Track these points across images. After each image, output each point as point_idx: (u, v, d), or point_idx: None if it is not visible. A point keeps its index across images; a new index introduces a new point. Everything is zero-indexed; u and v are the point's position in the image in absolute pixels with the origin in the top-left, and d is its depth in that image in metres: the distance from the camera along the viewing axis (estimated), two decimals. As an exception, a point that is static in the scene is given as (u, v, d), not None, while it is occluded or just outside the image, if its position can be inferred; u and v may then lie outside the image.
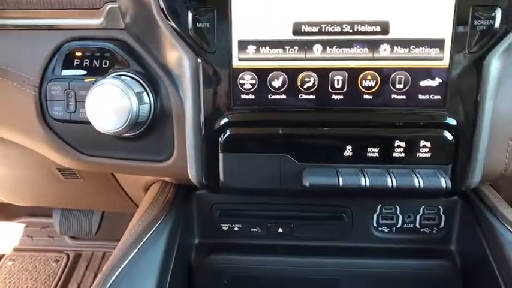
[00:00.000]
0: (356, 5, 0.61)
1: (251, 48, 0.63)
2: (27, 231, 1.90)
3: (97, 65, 0.72)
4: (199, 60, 0.64)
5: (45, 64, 0.73)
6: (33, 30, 0.75)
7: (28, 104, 0.74)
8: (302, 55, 0.63)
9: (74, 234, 1.75)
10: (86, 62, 0.72)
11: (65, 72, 0.73)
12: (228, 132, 0.66)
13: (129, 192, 1.05)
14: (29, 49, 0.75)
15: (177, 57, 0.66)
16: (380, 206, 0.80)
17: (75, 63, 0.73)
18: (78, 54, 0.73)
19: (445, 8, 0.60)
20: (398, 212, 0.81)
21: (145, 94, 0.68)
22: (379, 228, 0.82)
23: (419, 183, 0.62)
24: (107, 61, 0.72)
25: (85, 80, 0.71)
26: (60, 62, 0.73)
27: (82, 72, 0.72)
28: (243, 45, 0.63)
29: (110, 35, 0.73)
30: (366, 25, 0.61)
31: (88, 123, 0.67)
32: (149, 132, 0.70)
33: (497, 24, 0.60)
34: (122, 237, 0.77)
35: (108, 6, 0.71)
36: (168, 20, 0.63)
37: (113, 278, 0.64)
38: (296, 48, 0.63)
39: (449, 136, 0.64)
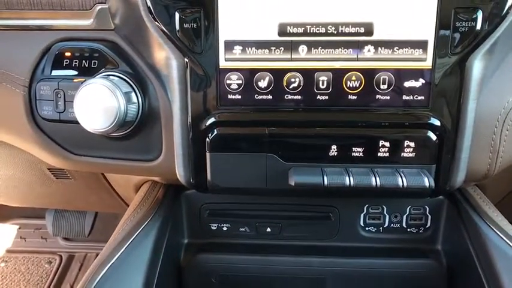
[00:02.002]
0: (340, 7, 0.62)
1: (237, 49, 0.64)
2: (20, 233, 1.90)
3: (86, 65, 0.73)
4: (186, 61, 0.65)
5: (34, 64, 0.74)
6: (23, 30, 0.75)
7: (17, 103, 0.75)
8: (288, 56, 0.64)
9: (66, 235, 1.75)
10: (75, 62, 0.73)
11: (55, 73, 0.73)
12: (215, 132, 0.67)
13: (120, 192, 1.06)
14: (19, 49, 0.75)
15: (164, 57, 0.67)
16: (367, 206, 0.81)
17: (64, 63, 0.73)
18: (67, 54, 0.73)
19: (427, 10, 0.61)
20: (385, 212, 0.81)
21: (133, 94, 0.69)
22: (366, 228, 0.83)
23: (402, 182, 0.63)
24: (96, 61, 0.73)
25: (74, 80, 0.72)
26: (50, 62, 0.74)
27: (71, 72, 0.73)
28: (229, 45, 0.64)
29: (99, 36, 0.73)
30: (350, 26, 0.62)
31: (77, 122, 0.68)
32: (137, 132, 0.71)
33: (478, 26, 0.61)
34: None
35: (98, 7, 0.71)
36: (155, 20, 0.64)
37: (100, 275, 0.65)
38: (282, 49, 0.64)
39: (433, 136, 0.65)
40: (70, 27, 0.74)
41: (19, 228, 1.89)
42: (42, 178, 1.06)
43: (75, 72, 0.73)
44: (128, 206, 1.05)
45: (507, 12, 0.60)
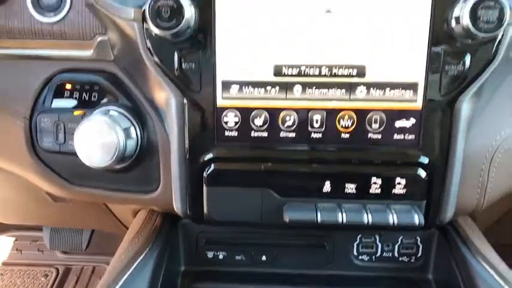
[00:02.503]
0: (334, 50, 0.64)
1: (234, 88, 0.66)
2: (16, 245, 1.90)
3: (86, 98, 0.75)
4: (184, 99, 0.67)
5: (35, 95, 0.76)
6: (24, 59, 0.77)
7: (18, 134, 0.76)
8: (283, 95, 0.66)
9: (64, 249, 1.75)
10: (76, 94, 0.75)
11: (55, 104, 0.75)
12: (212, 167, 0.69)
13: (118, 214, 1.07)
14: (20, 79, 0.77)
15: (163, 94, 0.68)
16: (360, 235, 0.83)
17: (65, 95, 0.75)
18: (68, 86, 0.75)
19: (418, 54, 0.63)
20: (377, 241, 0.83)
21: (132, 129, 0.71)
22: (360, 257, 0.85)
23: (393, 219, 0.65)
24: (96, 94, 0.74)
25: (74, 113, 0.74)
26: (51, 94, 0.75)
27: (71, 104, 0.75)
28: (226, 85, 0.66)
29: (99, 67, 0.75)
30: (343, 68, 0.64)
31: (77, 154, 0.69)
32: (136, 165, 0.73)
33: (467, 69, 0.63)
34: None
35: (99, 38, 0.73)
36: (154, 59, 0.66)
37: None
38: (277, 88, 0.66)
39: (423, 174, 0.67)
40: (71, 57, 0.76)
41: (15, 240, 1.90)
42: (39, 200, 1.07)
43: (75, 105, 0.74)
44: (125, 226, 1.07)
45: (494, 56, 0.63)
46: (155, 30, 0.61)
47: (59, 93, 0.75)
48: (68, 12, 0.74)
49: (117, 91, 0.73)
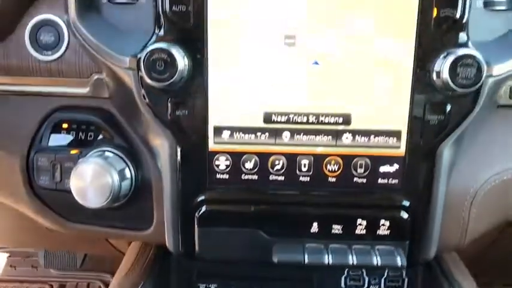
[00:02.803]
0: (321, 99, 0.67)
1: (226, 134, 0.69)
2: (10, 261, 1.90)
3: (82, 137, 0.77)
4: (177, 143, 0.69)
5: (32, 134, 0.78)
6: (22, 96, 0.79)
7: (15, 171, 0.78)
8: (272, 141, 0.69)
9: (58, 267, 1.76)
10: (72, 133, 0.77)
11: (52, 143, 0.77)
12: (204, 209, 0.71)
13: (113, 241, 1.09)
14: (17, 117, 0.79)
15: (156, 136, 0.71)
16: (347, 269, 0.86)
17: (61, 134, 0.77)
18: (64, 125, 0.77)
19: (401, 103, 0.66)
20: (364, 275, 0.86)
21: (127, 170, 0.73)
22: None
23: (377, 261, 0.68)
24: (92, 134, 0.77)
25: (71, 152, 0.76)
26: (48, 133, 0.78)
27: (68, 143, 0.77)
28: (218, 130, 0.69)
29: (95, 104, 0.78)
30: (330, 116, 0.67)
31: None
32: (130, 203, 0.75)
33: (447, 119, 0.66)
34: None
35: (95, 76, 0.75)
36: (148, 105, 0.68)
37: None
38: (267, 134, 0.68)
39: (406, 216, 0.70)
40: (67, 94, 0.78)
41: (9, 256, 1.89)
42: (34, 228, 1.08)
43: (72, 144, 0.76)
44: (119, 251, 1.09)
45: (473, 106, 0.66)
46: (150, 82, 0.63)
47: (56, 132, 0.77)
48: (65, 51, 0.76)
49: (112, 131, 0.76)
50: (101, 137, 0.77)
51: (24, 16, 0.76)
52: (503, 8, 0.68)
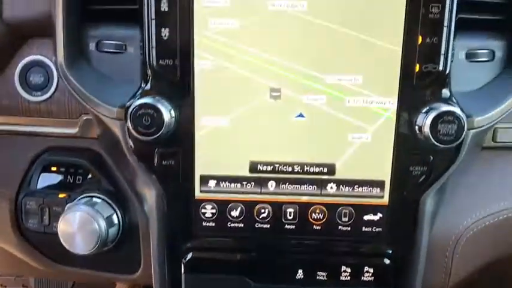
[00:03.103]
0: (306, 149, 0.68)
1: (212, 183, 0.69)
2: (0, 280, 1.89)
3: (71, 181, 0.78)
4: (163, 191, 0.70)
5: (21, 176, 0.78)
6: (11, 135, 0.80)
7: (3, 214, 0.79)
8: (258, 190, 0.69)
9: (49, 288, 1.76)
10: (61, 177, 0.78)
11: (40, 185, 0.78)
12: (190, 256, 0.72)
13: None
14: (6, 157, 0.80)
15: (143, 183, 0.72)
16: None
17: (50, 177, 0.78)
18: (53, 169, 0.78)
19: (385, 155, 0.67)
20: None
21: (114, 216, 0.74)
22: None
23: None
24: (81, 177, 0.78)
25: (59, 196, 0.76)
26: (36, 176, 0.78)
27: (56, 187, 0.78)
28: (204, 179, 0.69)
29: (84, 145, 0.78)
30: (315, 166, 0.68)
31: None
32: (118, 248, 0.75)
33: (430, 170, 0.67)
34: None
35: (84, 117, 0.76)
36: (135, 155, 0.69)
37: None
38: (252, 183, 0.69)
39: (389, 263, 0.71)
40: (56, 134, 0.78)
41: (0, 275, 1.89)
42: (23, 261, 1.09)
43: (60, 187, 0.77)
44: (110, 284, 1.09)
45: (456, 157, 0.67)
46: (137, 135, 0.64)
47: (45, 174, 0.78)
48: (54, 91, 0.77)
49: (100, 174, 0.77)
50: (89, 180, 0.78)
51: (14, 57, 0.77)
52: (485, 59, 0.70)
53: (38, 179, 0.78)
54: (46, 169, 0.78)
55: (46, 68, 0.77)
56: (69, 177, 0.78)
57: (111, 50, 0.70)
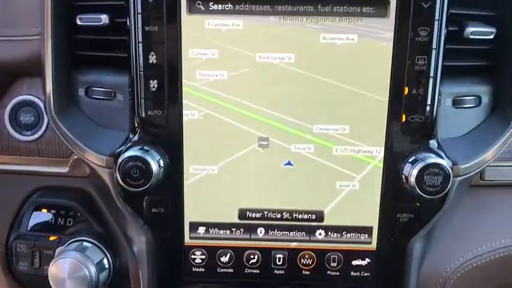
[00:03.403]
0: (295, 196, 0.69)
1: (201, 229, 0.70)
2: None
3: (61, 223, 0.78)
4: (153, 236, 0.70)
5: (12, 217, 0.79)
6: (1, 174, 0.80)
7: None
8: (247, 236, 0.70)
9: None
10: (51, 220, 0.78)
11: (31, 227, 0.78)
12: None
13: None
14: None
15: (133, 229, 0.72)
16: None
17: (41, 219, 0.78)
18: (44, 210, 0.78)
19: (372, 202, 0.68)
20: None
21: (105, 260, 0.74)
22: None
23: None
24: (71, 219, 0.78)
25: (50, 239, 0.77)
26: (27, 218, 0.78)
27: (47, 229, 0.78)
28: (194, 226, 0.70)
29: (75, 184, 0.79)
30: (303, 213, 0.69)
31: None
32: None
33: (416, 217, 0.68)
34: None
35: (75, 156, 0.76)
36: (124, 202, 0.69)
37: None
38: (242, 230, 0.70)
39: None
40: (47, 173, 0.78)
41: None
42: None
43: (50, 230, 0.77)
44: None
45: (442, 204, 0.68)
46: (125, 187, 0.64)
47: (36, 216, 0.78)
48: (45, 131, 0.77)
49: (90, 217, 0.77)
50: (80, 221, 0.78)
51: (5, 96, 0.77)
52: (471, 105, 0.70)
53: (28, 220, 0.78)
54: (37, 209, 0.78)
55: (36, 108, 0.78)
56: (59, 219, 0.78)
57: (100, 97, 0.70)
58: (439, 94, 0.65)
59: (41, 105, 0.76)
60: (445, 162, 0.63)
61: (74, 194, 0.78)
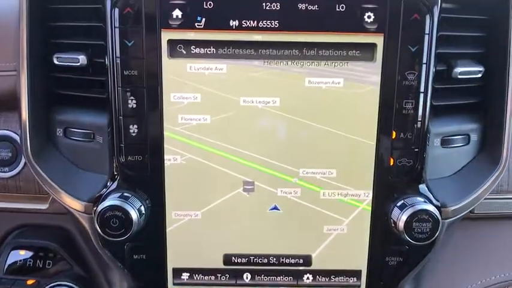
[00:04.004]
0: (281, 241, 0.67)
1: (185, 275, 0.68)
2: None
3: (40, 266, 0.75)
4: (135, 282, 0.68)
5: None
6: None
7: None
8: (233, 281, 0.68)
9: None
10: (30, 262, 0.75)
11: (8, 271, 0.75)
12: None
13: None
14: None
15: (114, 273, 0.70)
16: None
17: (18, 262, 0.75)
18: (21, 252, 0.75)
19: (361, 245, 0.67)
20: None
21: (86, 305, 0.71)
22: None
23: None
24: (50, 261, 0.75)
25: (27, 282, 0.74)
26: (4, 261, 0.75)
27: (25, 272, 0.75)
28: (177, 272, 0.68)
29: (54, 222, 0.76)
30: (291, 258, 0.67)
31: None
32: None
33: (406, 260, 0.66)
34: None
35: None
36: (104, 249, 0.67)
37: None
38: (227, 275, 0.68)
39: None
40: (25, 210, 0.76)
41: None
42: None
43: (28, 273, 0.74)
44: None
45: (431, 247, 0.66)
46: (105, 237, 0.62)
47: (13, 257, 0.75)
48: (23, 167, 0.74)
49: (71, 259, 0.74)
50: (59, 264, 0.75)
51: None
52: (460, 144, 0.69)
53: (5, 262, 0.76)
54: (14, 254, 0.75)
55: (14, 143, 0.75)
56: (38, 260, 0.75)
57: (79, 139, 0.67)
58: (428, 136, 0.64)
59: (19, 140, 0.73)
60: (434, 208, 0.61)
61: (53, 233, 0.76)
